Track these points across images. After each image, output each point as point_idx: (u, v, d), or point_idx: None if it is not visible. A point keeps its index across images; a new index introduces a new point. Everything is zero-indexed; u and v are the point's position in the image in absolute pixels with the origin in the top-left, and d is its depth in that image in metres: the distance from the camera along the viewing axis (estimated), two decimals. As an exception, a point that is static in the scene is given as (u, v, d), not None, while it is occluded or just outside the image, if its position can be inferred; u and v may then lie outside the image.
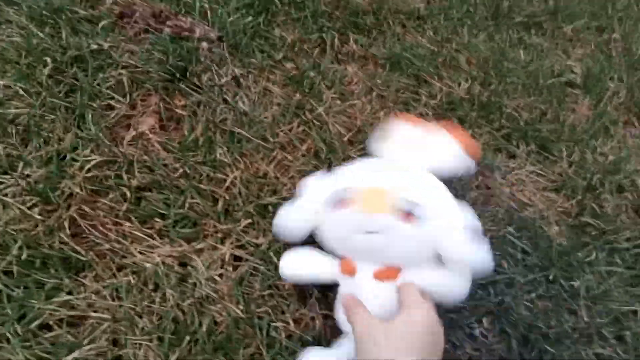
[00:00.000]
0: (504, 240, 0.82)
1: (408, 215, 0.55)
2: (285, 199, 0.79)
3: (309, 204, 0.63)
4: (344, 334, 0.62)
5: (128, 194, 0.74)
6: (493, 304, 0.75)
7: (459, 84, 1.00)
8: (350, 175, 0.63)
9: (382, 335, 0.50)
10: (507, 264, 0.80)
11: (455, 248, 0.57)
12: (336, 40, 1.02)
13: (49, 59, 0.83)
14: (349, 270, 0.61)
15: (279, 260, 0.68)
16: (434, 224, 0.56)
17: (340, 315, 0.61)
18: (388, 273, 0.60)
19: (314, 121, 0.88)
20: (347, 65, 1.01)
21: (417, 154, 0.63)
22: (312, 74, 0.95)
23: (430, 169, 0.62)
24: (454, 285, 0.60)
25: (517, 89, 1.02)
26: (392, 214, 0.55)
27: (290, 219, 0.66)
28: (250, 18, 0.99)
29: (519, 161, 0.93)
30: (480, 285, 0.77)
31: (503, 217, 0.84)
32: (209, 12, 0.98)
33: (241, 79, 0.91)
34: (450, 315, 0.73)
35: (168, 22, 0.94)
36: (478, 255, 0.58)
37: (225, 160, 0.80)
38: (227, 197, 0.78)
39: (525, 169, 0.92)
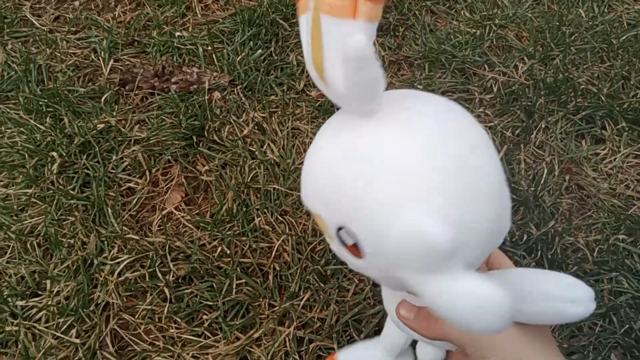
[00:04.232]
0: (615, 250, 0.66)
1: (352, 249, 0.32)
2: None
3: None
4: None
5: (167, 292, 0.65)
6: (619, 334, 0.61)
7: (516, 68, 0.84)
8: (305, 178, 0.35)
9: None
10: (626, 280, 0.65)
11: (414, 290, 0.29)
12: (360, 51, 0.89)
13: (55, 154, 0.75)
14: None
15: (347, 336, 0.60)
16: (386, 257, 0.30)
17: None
18: None
19: (356, 154, 0.76)
20: (378, 76, 0.88)
21: None
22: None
23: None
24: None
25: (586, 57, 0.85)
26: (340, 246, 0.33)
27: None
28: (259, 51, 0.88)
29: (609, 145, 0.77)
30: (599, 314, 0.63)
31: (608, 222, 0.69)
32: (214, 55, 0.88)
33: (264, 124, 0.80)
34: (570, 359, 0.60)
35: (173, 79, 0.84)
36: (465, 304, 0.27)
37: (266, 225, 0.70)
38: (277, 268, 0.67)
39: (619, 154, 0.76)
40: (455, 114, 0.32)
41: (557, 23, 0.90)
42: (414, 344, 0.55)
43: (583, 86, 0.81)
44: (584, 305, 0.35)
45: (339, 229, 0.32)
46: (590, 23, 0.91)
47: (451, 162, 0.29)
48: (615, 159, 0.75)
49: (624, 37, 0.87)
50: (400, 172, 0.29)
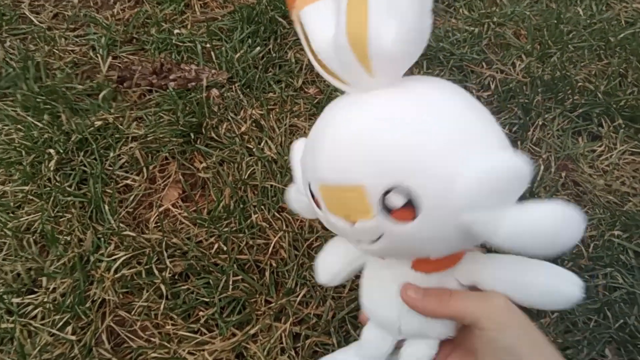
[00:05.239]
0: (610, 246, 0.66)
1: (402, 212, 0.32)
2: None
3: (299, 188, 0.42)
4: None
5: (163, 288, 0.65)
6: (614, 329, 0.61)
7: (513, 65, 0.84)
8: (312, 155, 0.35)
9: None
10: (621, 275, 0.65)
11: (484, 229, 0.30)
12: (358, 48, 0.89)
13: (52, 151, 0.75)
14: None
15: (343, 331, 0.59)
16: (451, 205, 0.30)
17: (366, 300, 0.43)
18: (432, 264, 0.39)
19: (354, 151, 0.76)
20: (376, 73, 0.88)
21: None
22: (339, 94, 0.82)
23: None
24: (541, 282, 0.36)
25: (584, 55, 0.85)
26: (380, 216, 0.33)
27: (294, 203, 0.46)
28: (258, 48, 0.88)
29: (605, 142, 0.77)
30: (593, 309, 0.63)
31: (603, 218, 0.69)
32: (212, 53, 0.88)
33: (262, 121, 0.80)
34: (565, 353, 0.60)
35: (171, 76, 0.84)
36: (520, 233, 0.30)
37: (263, 222, 0.70)
38: (274, 265, 0.67)
39: (616, 150, 0.76)
40: (464, 91, 0.34)
41: (555, 21, 0.90)
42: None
43: (580, 84, 0.81)
44: (577, 287, 0.35)
45: (386, 193, 0.31)
46: (588, 21, 0.91)
47: (486, 114, 0.33)
48: (611, 156, 0.75)
49: (622, 35, 0.88)
50: (460, 117, 0.31)
